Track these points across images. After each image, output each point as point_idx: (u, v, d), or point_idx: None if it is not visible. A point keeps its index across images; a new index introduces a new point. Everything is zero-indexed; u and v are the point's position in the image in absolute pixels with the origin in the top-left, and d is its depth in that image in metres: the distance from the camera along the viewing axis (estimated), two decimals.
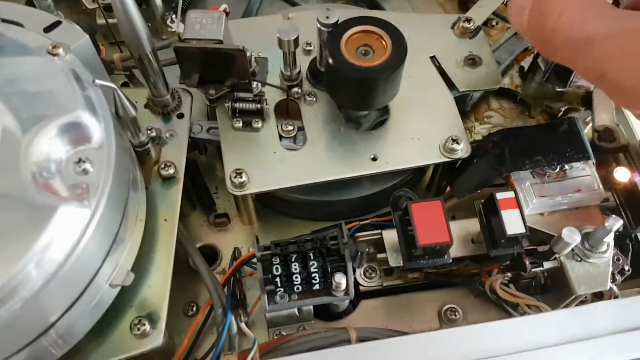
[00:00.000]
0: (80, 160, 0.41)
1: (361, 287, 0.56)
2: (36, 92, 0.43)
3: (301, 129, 0.58)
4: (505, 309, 0.56)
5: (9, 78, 0.44)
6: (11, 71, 0.45)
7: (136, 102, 0.51)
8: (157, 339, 0.47)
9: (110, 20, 0.69)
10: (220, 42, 0.52)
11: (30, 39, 0.47)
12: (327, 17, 0.53)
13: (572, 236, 0.49)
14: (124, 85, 0.68)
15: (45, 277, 0.38)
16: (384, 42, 0.53)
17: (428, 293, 0.60)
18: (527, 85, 0.68)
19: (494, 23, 0.72)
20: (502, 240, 0.50)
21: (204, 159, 0.68)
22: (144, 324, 0.47)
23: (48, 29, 0.52)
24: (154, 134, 0.56)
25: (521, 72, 0.68)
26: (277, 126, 0.58)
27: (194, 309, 0.58)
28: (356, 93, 0.54)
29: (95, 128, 0.42)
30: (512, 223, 0.49)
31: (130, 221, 0.47)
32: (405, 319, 0.58)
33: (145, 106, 0.59)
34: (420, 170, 0.64)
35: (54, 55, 0.46)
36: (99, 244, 0.42)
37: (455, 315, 0.58)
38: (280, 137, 0.58)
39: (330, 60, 0.52)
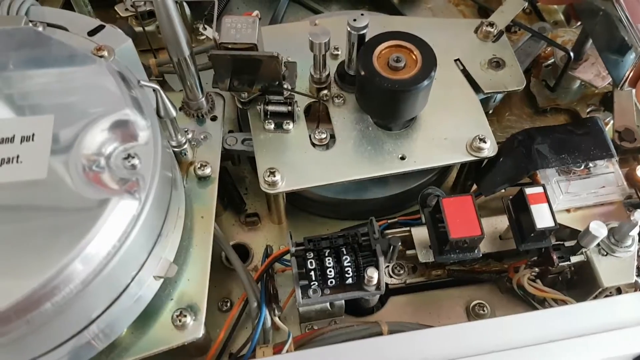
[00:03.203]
0: (129, 156, 0.42)
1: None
2: (85, 93, 0.45)
3: (333, 136, 0.60)
4: (533, 304, 0.58)
5: (56, 80, 0.46)
6: (58, 74, 0.46)
7: None
8: (198, 330, 0.49)
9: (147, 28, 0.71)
10: (255, 45, 0.54)
11: (75, 42, 0.50)
12: (356, 21, 0.55)
13: (599, 229, 0.50)
14: None
15: (96, 268, 0.39)
16: (414, 56, 0.55)
17: (455, 289, 0.61)
18: (562, 95, 0.69)
19: (517, 29, 0.73)
20: (532, 234, 0.51)
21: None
22: (185, 316, 0.49)
23: (92, 33, 0.54)
24: (190, 135, 0.58)
25: (548, 87, 0.69)
26: (310, 135, 0.59)
27: (228, 304, 0.60)
28: (388, 104, 0.56)
29: (142, 126, 0.44)
30: (542, 217, 0.50)
31: (172, 217, 0.49)
32: (433, 315, 0.60)
33: (180, 109, 0.61)
34: (446, 170, 0.65)
35: (99, 57, 0.48)
36: (146, 236, 0.44)
37: (484, 311, 0.59)
38: (314, 145, 0.59)
39: (363, 73, 0.54)
